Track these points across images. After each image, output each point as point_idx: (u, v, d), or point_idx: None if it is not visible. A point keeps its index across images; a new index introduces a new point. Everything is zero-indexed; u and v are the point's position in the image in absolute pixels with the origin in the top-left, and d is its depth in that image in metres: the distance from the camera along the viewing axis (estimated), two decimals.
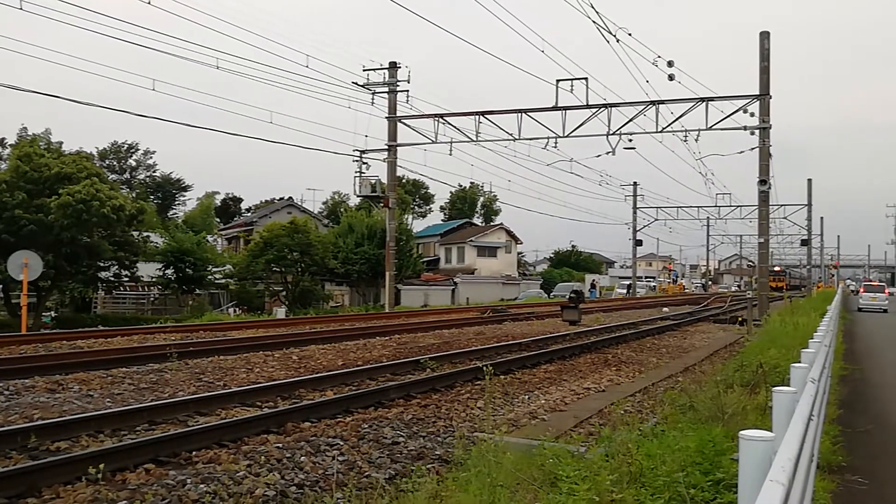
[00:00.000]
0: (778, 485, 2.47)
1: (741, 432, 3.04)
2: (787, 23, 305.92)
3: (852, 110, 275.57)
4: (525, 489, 5.51)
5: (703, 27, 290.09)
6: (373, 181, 36.13)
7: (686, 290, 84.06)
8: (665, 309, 39.87)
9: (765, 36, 28.02)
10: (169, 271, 42.65)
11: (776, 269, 74.93)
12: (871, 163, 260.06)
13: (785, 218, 63.38)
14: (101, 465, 6.34)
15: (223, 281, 46.51)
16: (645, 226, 65.44)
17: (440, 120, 32.13)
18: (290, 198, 69.32)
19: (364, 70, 33.72)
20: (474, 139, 31.89)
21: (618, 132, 29.86)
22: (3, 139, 62.91)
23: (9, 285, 33.11)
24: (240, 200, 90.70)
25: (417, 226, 74.56)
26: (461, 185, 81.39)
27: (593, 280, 73.07)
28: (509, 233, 73.31)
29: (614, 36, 24.48)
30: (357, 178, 35.66)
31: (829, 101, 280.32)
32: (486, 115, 31.37)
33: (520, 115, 30.53)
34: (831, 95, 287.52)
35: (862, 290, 51.51)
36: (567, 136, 30.26)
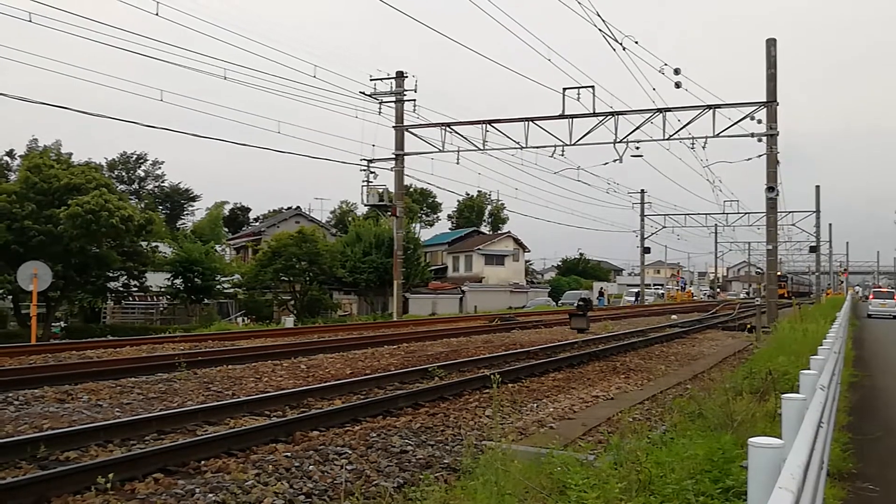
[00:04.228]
0: (787, 492, 2.46)
1: (750, 439, 3.03)
2: (792, 23, 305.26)
3: (859, 114, 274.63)
4: (533, 497, 5.50)
5: (704, 22, 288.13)
6: (380, 190, 36.16)
7: (694, 298, 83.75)
8: (674, 316, 39.73)
9: (771, 43, 27.98)
10: (177, 281, 42.79)
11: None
12: (880, 167, 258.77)
13: (793, 224, 63.17)
14: (111, 475, 6.36)
15: (231, 290, 46.65)
16: (653, 233, 65.27)
17: (447, 129, 32.15)
18: (298, 207, 69.60)
19: (371, 80, 33.79)
20: (481, 148, 31.87)
21: (625, 140, 29.81)
22: (13, 150, 63.32)
23: (18, 296, 33.28)
24: (248, 210, 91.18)
25: (425, 234, 74.68)
26: (468, 194, 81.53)
27: (601, 288, 72.93)
28: (517, 241, 73.29)
29: (620, 44, 24.50)
30: (364, 188, 35.72)
31: (835, 104, 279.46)
32: (492, 124, 31.38)
33: (526, 123, 30.53)
34: (837, 98, 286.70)
35: (871, 296, 51.32)
36: (574, 145, 30.23)
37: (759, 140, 28.54)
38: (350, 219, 64.02)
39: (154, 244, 40.92)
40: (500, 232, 79.94)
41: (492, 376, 7.92)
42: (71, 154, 47.31)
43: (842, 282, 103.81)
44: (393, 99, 33.87)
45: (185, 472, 7.35)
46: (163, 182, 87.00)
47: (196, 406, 10.54)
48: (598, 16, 24.30)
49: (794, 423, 3.91)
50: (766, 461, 2.92)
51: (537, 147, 31.47)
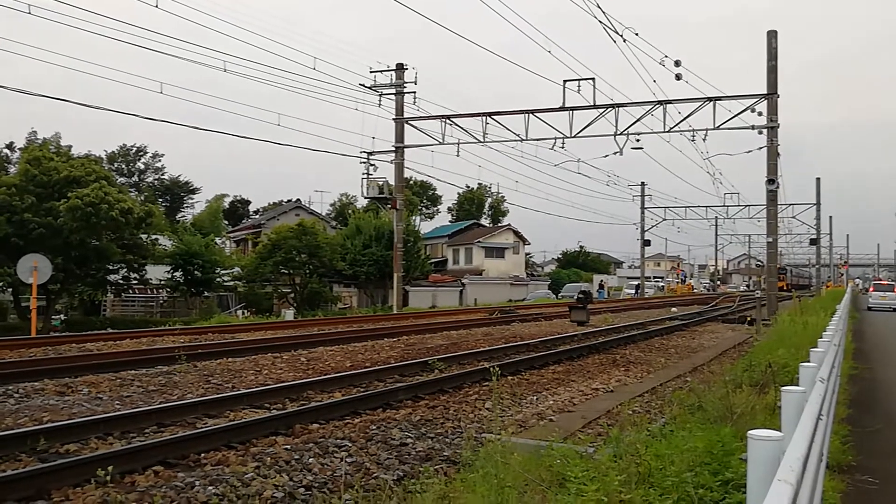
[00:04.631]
0: (786, 485, 2.45)
1: (749, 432, 3.02)
2: (793, 16, 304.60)
3: (860, 105, 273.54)
4: (533, 490, 5.50)
5: (706, 15, 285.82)
6: (380, 183, 36.12)
7: (695, 290, 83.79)
8: (674, 309, 39.75)
9: (772, 35, 27.92)
10: (177, 274, 42.84)
11: None
12: (881, 159, 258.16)
13: (794, 217, 63.11)
14: (111, 468, 6.35)
15: (231, 283, 46.68)
16: (653, 226, 65.24)
17: (447, 121, 32.12)
18: (298, 200, 69.40)
19: (371, 72, 33.77)
20: (481, 140, 31.87)
21: (625, 132, 29.79)
22: (13, 143, 63.26)
23: (18, 288, 33.32)
24: (248, 203, 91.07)
25: (425, 227, 74.61)
26: (468, 187, 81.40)
27: (601, 280, 72.96)
28: (517, 233, 73.24)
29: (621, 36, 24.45)
30: (364, 180, 35.69)
31: (836, 95, 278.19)
32: (493, 116, 31.35)
33: (527, 115, 30.50)
34: (838, 90, 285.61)
35: (871, 289, 51.39)
36: (574, 137, 30.22)
37: (760, 132, 28.52)
38: (350, 211, 63.98)
39: (154, 237, 40.97)
40: (500, 224, 79.85)
41: (491, 369, 7.93)
42: (70, 146, 47.35)
43: (842, 274, 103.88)
44: (393, 91, 33.83)
45: (185, 464, 7.36)
46: (162, 175, 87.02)
47: (196, 399, 10.55)
48: (599, 7, 24.24)
49: (793, 416, 3.90)
50: (765, 453, 2.91)
51: (538, 139, 31.52)
